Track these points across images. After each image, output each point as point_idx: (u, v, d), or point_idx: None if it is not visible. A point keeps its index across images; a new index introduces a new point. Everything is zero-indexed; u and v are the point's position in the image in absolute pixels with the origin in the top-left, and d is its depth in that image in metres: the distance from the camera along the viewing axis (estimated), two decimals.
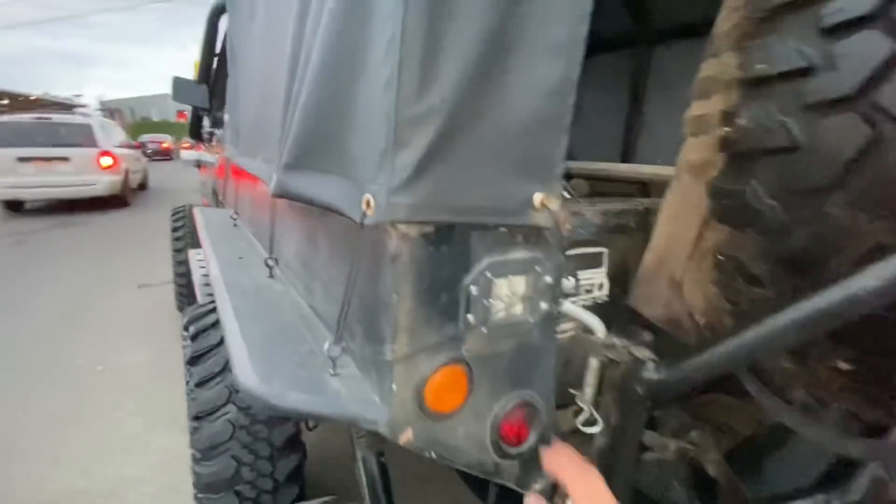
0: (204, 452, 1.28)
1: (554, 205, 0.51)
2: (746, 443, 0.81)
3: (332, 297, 0.66)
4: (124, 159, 8.41)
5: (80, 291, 4.45)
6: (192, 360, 1.39)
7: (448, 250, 0.50)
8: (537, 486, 0.59)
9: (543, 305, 0.56)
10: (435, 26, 0.42)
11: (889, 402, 0.50)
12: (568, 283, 0.57)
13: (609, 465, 0.58)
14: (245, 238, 1.35)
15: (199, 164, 3.39)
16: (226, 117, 1.87)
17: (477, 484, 1.02)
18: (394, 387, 0.50)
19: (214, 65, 2.73)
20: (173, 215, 3.71)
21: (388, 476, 1.21)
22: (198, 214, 1.59)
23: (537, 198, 0.51)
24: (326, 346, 0.56)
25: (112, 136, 8.67)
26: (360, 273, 0.52)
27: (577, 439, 0.62)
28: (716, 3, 0.58)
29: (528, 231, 0.54)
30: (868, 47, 0.41)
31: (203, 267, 2.81)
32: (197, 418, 1.30)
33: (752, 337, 0.46)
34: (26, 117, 8.06)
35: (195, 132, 3.11)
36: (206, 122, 3.02)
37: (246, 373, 0.54)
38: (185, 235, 3.54)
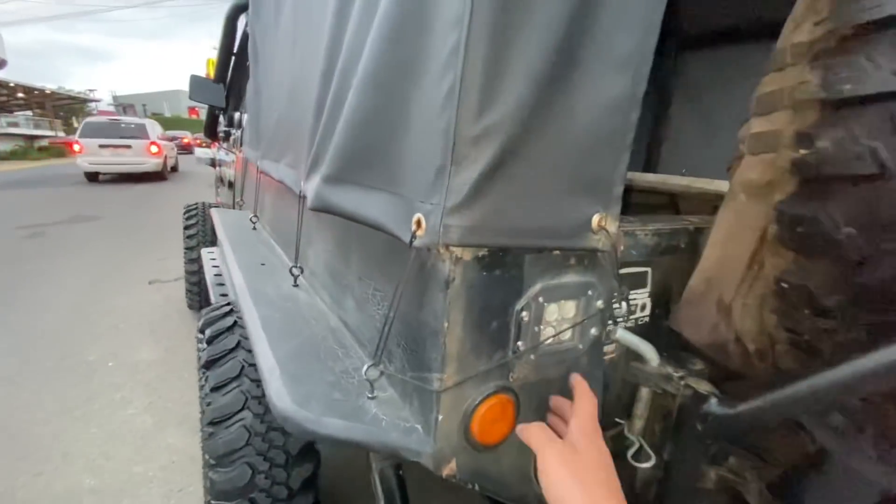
0: (219, 459, 1.25)
1: (612, 226, 0.48)
2: (791, 472, 0.77)
3: (366, 315, 0.64)
4: (165, 148, 12.45)
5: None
6: (208, 364, 1.37)
7: (501, 275, 0.47)
8: None
9: (594, 331, 0.53)
10: (501, 37, 0.39)
11: None
12: (620, 308, 0.54)
13: (661, 500, 0.55)
14: (265, 242, 1.33)
15: (213, 163, 3.39)
16: (245, 118, 1.86)
17: None
18: (439, 417, 0.47)
19: (231, 64, 2.72)
20: (186, 213, 3.71)
21: (406, 489, 1.18)
22: (216, 216, 1.57)
23: (595, 219, 0.48)
24: (365, 368, 0.53)
25: (156, 131, 12.91)
26: (404, 295, 0.49)
27: (621, 469, 0.59)
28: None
29: (583, 253, 0.51)
30: None
31: (216, 267, 2.80)
32: (212, 424, 1.27)
33: (839, 376, 0.43)
34: (104, 118, 12.56)
35: (210, 131, 3.10)
36: (221, 120, 3.02)
37: (280, 395, 0.51)
38: (197, 233, 3.54)
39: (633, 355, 0.59)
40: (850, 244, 0.45)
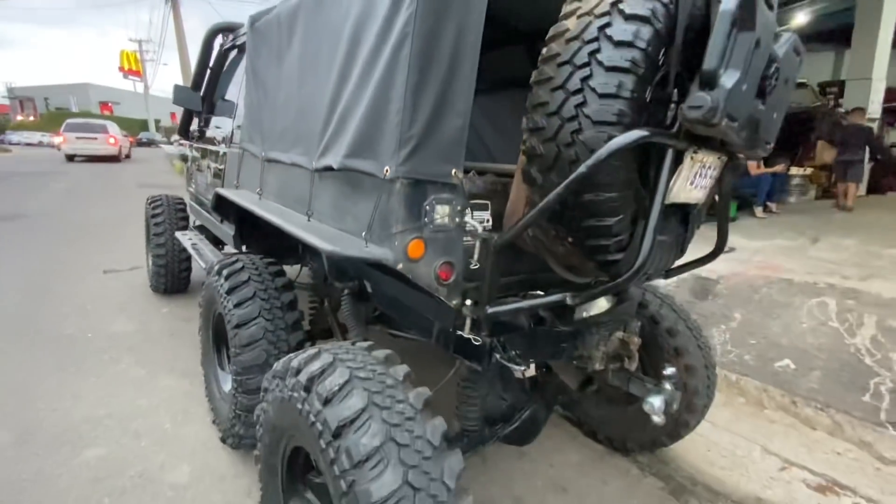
0: (242, 348, 1.91)
1: (459, 174, 1.27)
2: None
3: (358, 220, 1.39)
4: (120, 140, 19.66)
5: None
6: (230, 291, 2.01)
7: (417, 189, 1.23)
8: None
9: (456, 220, 1.31)
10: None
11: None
12: (467, 215, 1.33)
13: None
14: (272, 205, 2.01)
15: (184, 158, 3.87)
16: (236, 123, 2.51)
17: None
18: (396, 243, 1.22)
19: (207, 76, 3.29)
20: (151, 203, 4.13)
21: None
22: (227, 193, 2.20)
23: (453, 171, 1.27)
24: (363, 234, 1.28)
25: (115, 129, 20.14)
26: (379, 204, 1.26)
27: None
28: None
29: (447, 184, 1.29)
30: None
31: (195, 244, 3.32)
32: (237, 326, 1.93)
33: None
34: (80, 120, 20.28)
35: (185, 130, 3.63)
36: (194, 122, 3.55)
37: (327, 246, 1.25)
38: (164, 220, 3.99)
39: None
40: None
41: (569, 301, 1.36)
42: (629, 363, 1.82)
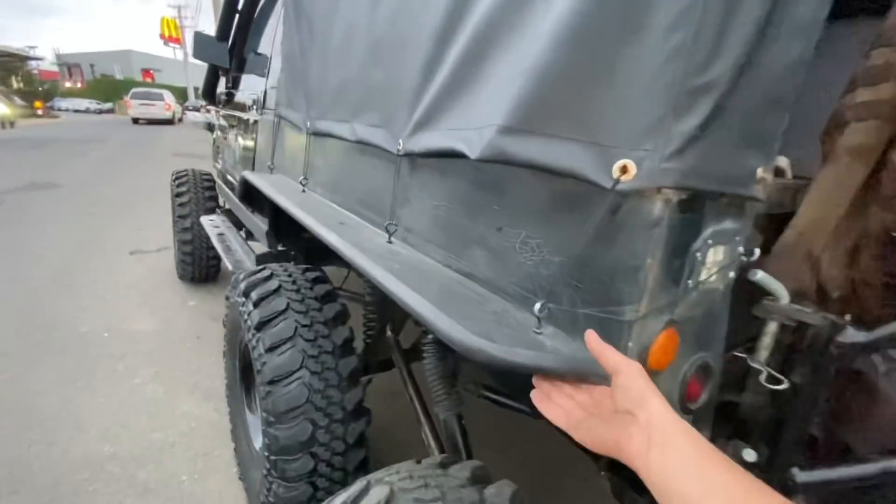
0: (279, 416, 1.29)
1: (770, 178, 0.55)
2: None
3: (509, 263, 0.68)
4: (173, 107, 23.11)
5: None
6: (259, 326, 1.38)
7: (691, 217, 0.52)
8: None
9: (731, 274, 0.60)
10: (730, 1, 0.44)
11: None
12: (755, 255, 0.61)
13: (785, 419, 0.64)
14: (325, 205, 1.33)
15: (210, 127, 3.24)
16: (277, 81, 1.80)
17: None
18: (630, 345, 0.53)
19: (235, 23, 2.60)
20: (175, 179, 3.56)
21: (468, 437, 1.26)
22: (256, 180, 1.53)
23: (759, 171, 0.55)
24: (538, 306, 0.58)
25: (170, 97, 23.65)
26: (586, 237, 0.54)
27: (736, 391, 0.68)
28: None
29: (737, 203, 0.57)
30: None
31: (221, 234, 2.73)
32: (271, 382, 1.30)
33: None
34: (142, 89, 24.05)
35: (210, 93, 2.96)
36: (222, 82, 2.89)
37: (457, 330, 0.55)
38: (190, 201, 3.41)
39: (764, 293, 0.67)
40: None
41: None
42: None
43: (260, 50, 2.35)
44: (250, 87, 2.32)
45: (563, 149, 0.55)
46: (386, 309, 1.71)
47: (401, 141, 0.90)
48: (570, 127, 0.55)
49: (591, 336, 0.53)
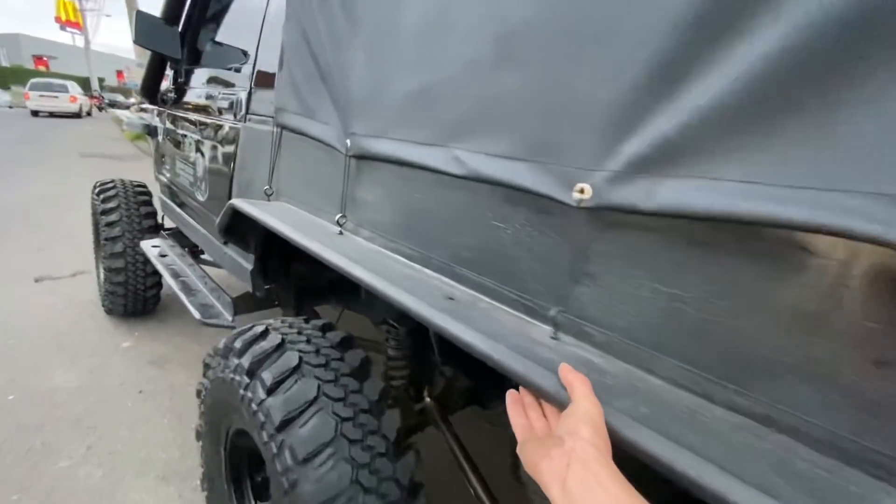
0: (305, 459, 0.91)
1: None
2: None
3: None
4: (79, 99, 21.78)
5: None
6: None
7: None
8: None
9: None
10: None
11: None
12: None
13: None
14: (387, 256, 0.94)
15: (151, 132, 2.60)
16: (277, 80, 1.35)
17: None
18: None
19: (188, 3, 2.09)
20: (100, 193, 2.90)
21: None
22: (257, 213, 1.09)
23: None
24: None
25: (76, 89, 22.06)
26: None
27: None
28: None
29: None
30: None
31: (174, 269, 2.21)
32: (284, 423, 0.93)
33: None
34: (42, 80, 21.60)
35: (152, 89, 2.37)
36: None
37: None
38: (121, 220, 2.78)
39: None
40: None
41: None
42: None
43: (231, 36, 1.87)
44: (219, 84, 1.83)
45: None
46: (429, 371, 1.36)
47: (584, 187, 0.56)
48: None
49: (565, 367, 0.54)
